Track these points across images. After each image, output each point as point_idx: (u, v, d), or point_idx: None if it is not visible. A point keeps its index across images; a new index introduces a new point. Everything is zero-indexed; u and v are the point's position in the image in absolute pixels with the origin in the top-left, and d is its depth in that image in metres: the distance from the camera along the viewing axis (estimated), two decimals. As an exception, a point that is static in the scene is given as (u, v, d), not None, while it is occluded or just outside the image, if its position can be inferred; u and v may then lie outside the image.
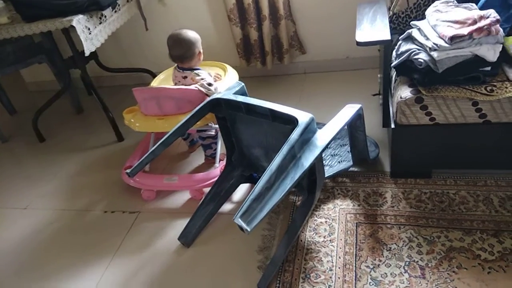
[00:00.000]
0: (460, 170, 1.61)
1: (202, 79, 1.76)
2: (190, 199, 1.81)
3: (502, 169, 1.57)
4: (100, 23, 2.00)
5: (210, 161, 2.00)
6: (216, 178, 1.76)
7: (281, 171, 1.18)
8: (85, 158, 2.25)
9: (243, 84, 1.61)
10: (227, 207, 1.71)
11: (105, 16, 2.02)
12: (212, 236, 1.60)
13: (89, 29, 1.92)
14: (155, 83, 2.05)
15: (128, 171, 1.43)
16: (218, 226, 1.64)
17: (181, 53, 1.75)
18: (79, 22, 1.85)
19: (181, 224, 1.64)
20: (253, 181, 1.74)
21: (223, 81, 1.92)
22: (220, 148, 1.89)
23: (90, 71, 2.45)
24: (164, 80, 2.06)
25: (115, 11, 2.10)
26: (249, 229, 1.03)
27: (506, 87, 1.36)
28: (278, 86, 2.53)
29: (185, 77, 1.80)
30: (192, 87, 1.75)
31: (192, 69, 1.79)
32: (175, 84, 1.85)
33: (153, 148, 1.46)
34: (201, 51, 1.79)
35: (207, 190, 1.77)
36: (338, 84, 2.42)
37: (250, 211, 1.08)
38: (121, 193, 1.92)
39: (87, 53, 1.93)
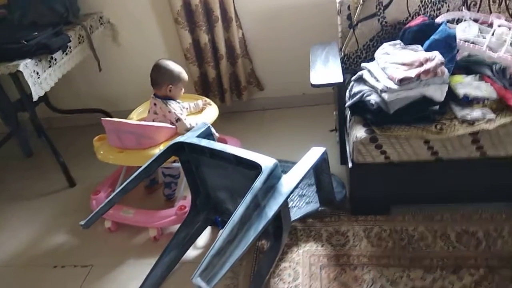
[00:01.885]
0: (417, 206, 1.64)
1: (169, 111, 1.77)
2: (148, 247, 1.72)
3: (456, 203, 1.62)
4: (50, 66, 1.93)
5: (168, 200, 1.94)
6: (171, 218, 1.73)
7: (244, 222, 1.15)
8: (34, 206, 2.10)
9: (209, 125, 1.59)
10: (191, 253, 1.64)
11: (55, 59, 1.95)
12: (175, 287, 1.52)
13: (37, 73, 1.85)
14: (134, 115, 2.04)
15: (81, 222, 1.36)
16: (182, 276, 1.56)
17: (153, 77, 1.80)
18: (26, 66, 1.77)
19: (140, 274, 1.54)
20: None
21: (205, 113, 1.97)
22: (183, 190, 1.84)
23: (41, 112, 2.34)
24: (142, 113, 2.04)
25: (66, 54, 2.03)
26: (208, 289, 0.99)
27: (455, 125, 1.42)
28: (238, 123, 2.53)
29: (155, 104, 1.82)
30: (159, 124, 1.77)
31: (164, 99, 1.80)
32: (149, 110, 1.86)
33: (111, 197, 1.40)
34: (173, 87, 1.79)
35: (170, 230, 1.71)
36: (296, 120, 2.45)
37: (210, 267, 1.03)
38: (73, 245, 1.81)
39: (35, 98, 1.84)
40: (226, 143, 2.10)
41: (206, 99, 2.10)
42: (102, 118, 1.79)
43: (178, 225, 1.66)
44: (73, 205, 2.03)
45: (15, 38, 1.84)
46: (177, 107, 1.82)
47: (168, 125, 1.79)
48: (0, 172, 2.44)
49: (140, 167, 1.48)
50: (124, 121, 1.78)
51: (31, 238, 1.89)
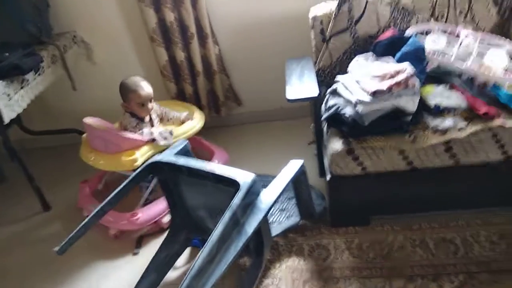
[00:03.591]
0: (396, 215, 1.66)
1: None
2: (130, 269, 1.68)
3: (433, 211, 1.64)
4: (22, 87, 1.88)
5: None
6: (123, 222, 1.77)
7: (224, 241, 1.14)
8: (7, 232, 2.03)
9: (187, 141, 1.58)
10: (172, 275, 1.60)
11: (27, 80, 1.91)
12: (155, 312, 1.48)
13: (8, 95, 1.80)
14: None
15: (56, 248, 1.32)
16: (162, 299, 1.53)
17: None
18: (-4, 89, 1.73)
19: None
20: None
21: (184, 126, 2.01)
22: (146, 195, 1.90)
23: (14, 134, 2.27)
24: None
25: (39, 74, 1.99)
26: (189, 313, 0.96)
27: (427, 135, 1.45)
28: (217, 138, 2.51)
29: None
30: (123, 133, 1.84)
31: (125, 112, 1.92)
32: None
33: (85, 221, 1.37)
34: (126, 103, 1.88)
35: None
36: (275, 133, 2.46)
37: (189, 290, 1.01)
38: (49, 274, 1.74)
39: (6, 121, 1.79)
40: (213, 154, 2.10)
41: (196, 110, 2.15)
42: (83, 119, 1.87)
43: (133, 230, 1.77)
44: (48, 229, 1.98)
45: (-15, 60, 1.81)
46: (127, 119, 1.89)
47: (133, 135, 1.83)
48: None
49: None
50: (93, 126, 1.83)
51: (4, 265, 1.83)
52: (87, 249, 1.79)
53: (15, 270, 1.80)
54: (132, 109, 1.86)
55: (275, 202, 1.32)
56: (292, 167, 1.46)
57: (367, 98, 1.43)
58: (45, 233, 1.98)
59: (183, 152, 1.55)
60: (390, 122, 1.47)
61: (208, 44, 2.29)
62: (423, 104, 1.52)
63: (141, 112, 1.87)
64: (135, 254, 1.75)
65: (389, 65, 1.57)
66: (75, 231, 1.34)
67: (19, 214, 2.14)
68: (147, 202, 1.91)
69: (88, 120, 1.87)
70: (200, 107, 2.46)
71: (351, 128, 1.49)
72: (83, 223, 1.36)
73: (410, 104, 1.46)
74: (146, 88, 1.86)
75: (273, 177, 1.43)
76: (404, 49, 1.62)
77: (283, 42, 2.31)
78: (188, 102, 2.43)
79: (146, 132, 1.84)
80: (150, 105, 1.87)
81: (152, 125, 1.91)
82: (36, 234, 2.00)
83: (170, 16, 2.17)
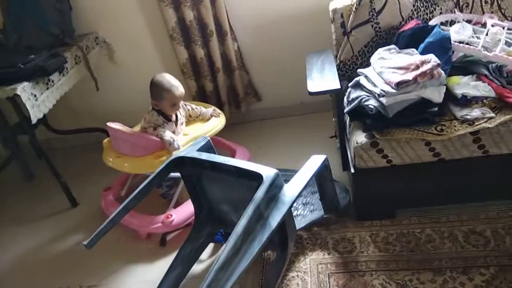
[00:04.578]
0: (423, 208, 1.63)
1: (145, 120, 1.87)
2: (155, 265, 1.71)
3: (461, 203, 1.61)
4: (47, 88, 1.93)
5: (165, 200, 1.97)
6: (157, 225, 1.76)
7: (248, 234, 1.14)
8: (37, 228, 2.09)
9: (208, 138, 1.59)
10: (198, 268, 1.62)
11: (52, 81, 1.95)
12: (182, 304, 1.50)
13: (35, 95, 1.85)
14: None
15: (84, 243, 1.34)
16: (188, 292, 1.54)
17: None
18: (24, 90, 1.77)
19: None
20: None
21: (210, 122, 2.04)
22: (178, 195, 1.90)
23: (40, 134, 2.34)
24: None
25: (63, 75, 2.04)
26: (215, 305, 0.97)
27: (455, 126, 1.42)
28: (237, 134, 2.52)
29: None
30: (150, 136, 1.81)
31: (152, 109, 1.87)
32: None
33: (112, 216, 1.39)
34: (157, 102, 1.82)
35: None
36: (295, 128, 2.46)
37: (215, 282, 1.02)
38: (78, 266, 1.78)
39: (34, 121, 1.84)
40: (235, 153, 2.12)
41: (216, 109, 2.13)
42: (106, 123, 1.84)
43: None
44: (76, 225, 2.02)
45: (12, 62, 1.85)
46: (152, 117, 1.84)
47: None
48: (2, 195, 2.43)
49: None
50: (120, 129, 1.82)
51: (35, 262, 1.88)
52: (113, 245, 1.83)
53: (46, 263, 1.85)
54: (163, 108, 1.83)
55: (299, 195, 1.31)
56: (315, 161, 1.46)
57: (391, 89, 1.41)
58: (73, 228, 2.02)
59: (206, 148, 1.56)
60: (415, 114, 1.44)
61: (227, 41, 2.29)
62: (449, 95, 1.48)
63: (171, 111, 1.85)
64: (161, 245, 1.79)
65: (413, 56, 1.55)
66: (102, 225, 1.36)
67: (48, 210, 2.20)
68: (164, 196, 1.97)
69: (112, 124, 1.85)
70: (221, 104, 2.48)
71: (375, 120, 1.47)
72: (110, 217, 1.38)
73: (436, 94, 1.43)
74: (180, 88, 1.82)
75: (294, 171, 1.43)
76: (428, 39, 1.59)
77: (302, 37, 2.30)
78: (208, 99, 2.45)
79: (167, 135, 1.80)
80: (180, 104, 1.86)
81: (176, 125, 1.91)
82: (65, 229, 2.04)
83: (189, 15, 2.19)
